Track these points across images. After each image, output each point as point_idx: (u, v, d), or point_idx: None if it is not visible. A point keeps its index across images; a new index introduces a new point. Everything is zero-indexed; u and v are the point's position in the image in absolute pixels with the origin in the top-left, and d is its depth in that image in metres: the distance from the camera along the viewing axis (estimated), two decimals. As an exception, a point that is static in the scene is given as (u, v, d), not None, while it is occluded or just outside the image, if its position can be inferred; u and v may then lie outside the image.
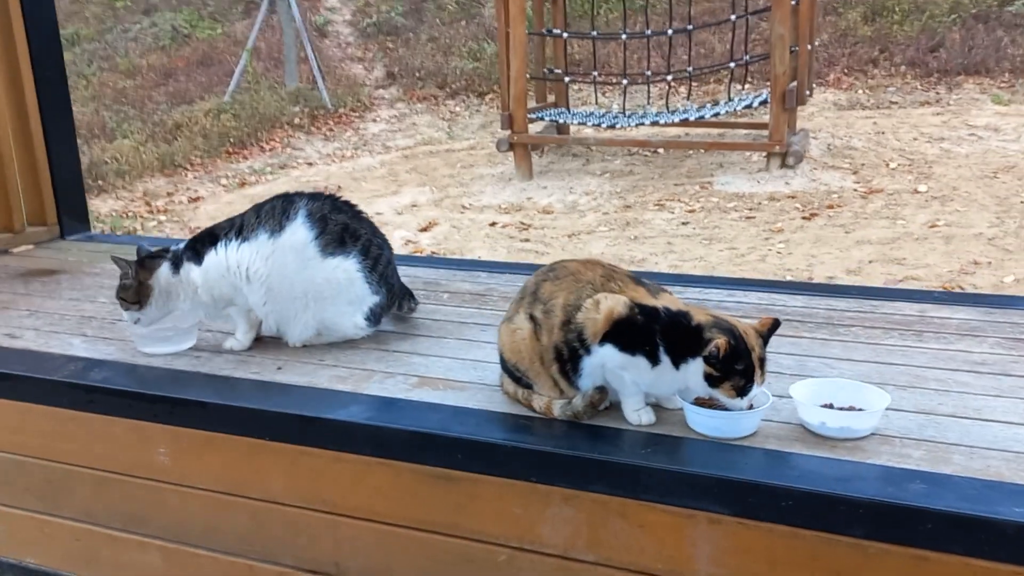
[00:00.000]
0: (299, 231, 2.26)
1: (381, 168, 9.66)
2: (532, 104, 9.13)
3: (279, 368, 2.22)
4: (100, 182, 8.65)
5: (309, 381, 2.13)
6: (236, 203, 8.67)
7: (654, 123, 8.25)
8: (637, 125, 8.30)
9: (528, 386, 1.91)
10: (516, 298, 1.99)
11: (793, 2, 7.56)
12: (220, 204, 8.62)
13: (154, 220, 8.14)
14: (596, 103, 9.70)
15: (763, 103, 8.03)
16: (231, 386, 2.13)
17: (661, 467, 1.65)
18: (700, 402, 1.82)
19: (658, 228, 7.11)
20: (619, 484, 1.68)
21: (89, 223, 3.84)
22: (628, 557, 1.71)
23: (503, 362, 1.95)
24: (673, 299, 1.86)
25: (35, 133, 3.52)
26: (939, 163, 8.01)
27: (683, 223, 7.17)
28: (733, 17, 8.44)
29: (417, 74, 12.02)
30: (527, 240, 7.10)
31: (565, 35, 8.76)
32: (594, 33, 8.98)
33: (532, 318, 1.88)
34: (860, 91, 10.57)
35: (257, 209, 2.32)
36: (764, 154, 8.20)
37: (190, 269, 2.28)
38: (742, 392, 1.72)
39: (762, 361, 1.75)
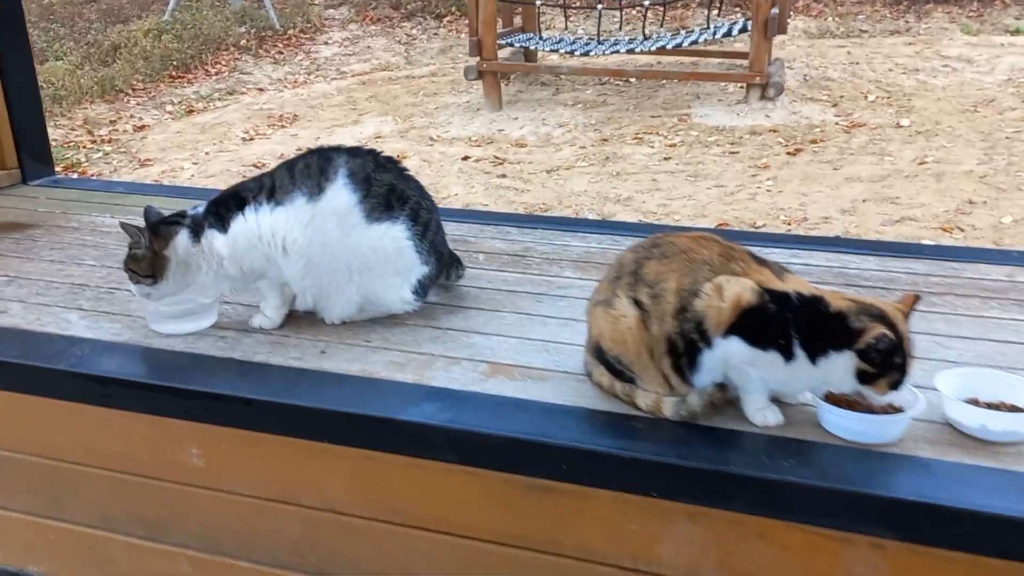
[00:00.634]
0: (341, 194, 1.95)
1: (338, 95, 9.17)
2: (499, 29, 8.69)
3: (322, 352, 1.94)
4: (36, 109, 8.02)
5: (363, 369, 1.85)
6: (186, 132, 8.16)
7: (629, 51, 7.91)
8: (612, 52, 7.95)
9: (630, 380, 1.67)
10: (609, 276, 1.72)
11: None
12: (168, 133, 8.10)
13: (99, 151, 7.60)
14: (566, 29, 9.31)
15: (743, 31, 7.75)
16: (274, 376, 1.84)
17: (814, 484, 1.42)
18: (832, 399, 1.60)
19: (639, 163, 6.85)
20: (760, 502, 1.46)
21: (52, 166, 3.43)
22: (766, 581, 1.50)
23: (599, 352, 1.69)
24: (801, 282, 1.62)
25: (-12, 68, 3.09)
26: (917, 96, 7.87)
27: (665, 158, 6.92)
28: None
29: (369, -7, 11.42)
30: (504, 176, 6.79)
31: (535, -45, 8.31)
32: (565, -46, 8.55)
33: (637, 303, 1.62)
34: (830, 19, 10.36)
35: (289, 167, 2.00)
36: (741, 85, 7.96)
37: (213, 237, 1.96)
38: (896, 388, 1.50)
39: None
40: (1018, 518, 1.34)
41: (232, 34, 10.08)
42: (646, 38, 8.11)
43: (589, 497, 1.57)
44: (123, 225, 1.95)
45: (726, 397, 1.62)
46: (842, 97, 7.95)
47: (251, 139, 7.95)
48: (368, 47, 10.56)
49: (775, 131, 7.31)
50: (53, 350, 1.96)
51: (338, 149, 2.03)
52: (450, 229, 2.73)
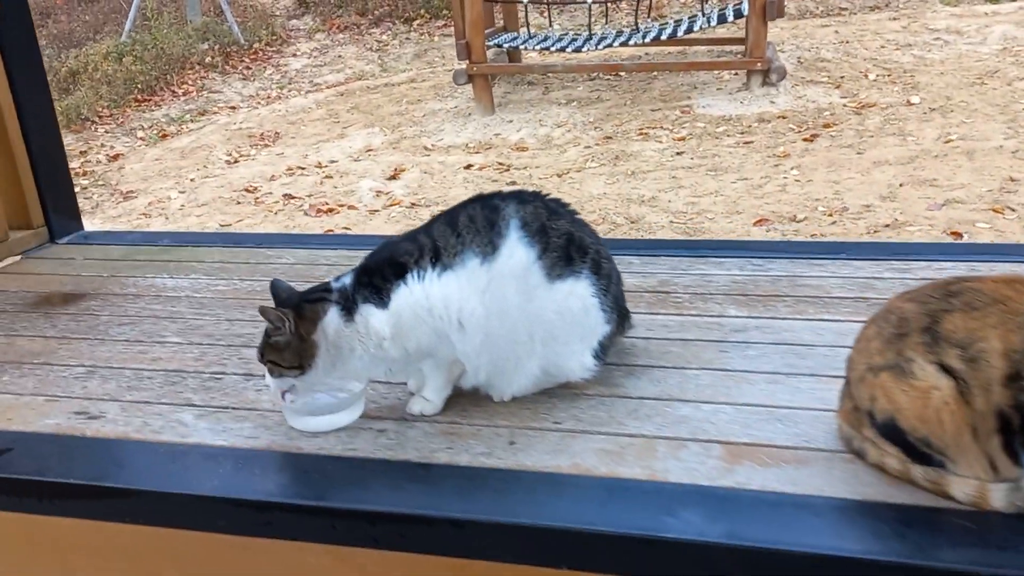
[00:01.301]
0: (517, 250, 1.63)
1: (318, 109, 8.78)
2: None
3: (512, 443, 1.61)
4: None
5: (574, 464, 1.53)
6: (165, 158, 7.71)
7: (623, 44, 7.64)
8: (605, 47, 7.67)
9: (936, 463, 1.37)
10: (885, 333, 1.43)
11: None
12: (146, 161, 7.66)
13: (75, 185, 7.10)
14: (551, 26, 9.01)
15: (738, 16, 7.52)
16: (469, 483, 1.51)
17: None
18: None
19: (652, 160, 6.59)
20: None
21: (80, 219, 3.04)
22: None
23: (891, 430, 1.40)
24: None
25: (7, 116, 2.69)
26: (918, 72, 7.72)
27: (677, 153, 6.67)
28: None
29: (332, 0, 11.01)
30: (514, 183, 6.48)
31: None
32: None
33: (946, 369, 1.33)
34: (808, -2, 10.20)
35: (449, 221, 1.67)
36: (736, 72, 7.75)
37: (370, 314, 1.63)
38: None
39: None
40: None
41: (196, 51, 9.61)
42: (638, 30, 7.84)
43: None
44: (263, 310, 1.61)
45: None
46: (843, 78, 7.77)
47: (235, 161, 7.54)
48: (339, 56, 10.16)
49: (784, 117, 7.10)
50: (185, 467, 1.61)
51: (501, 195, 1.71)
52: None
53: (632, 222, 5.56)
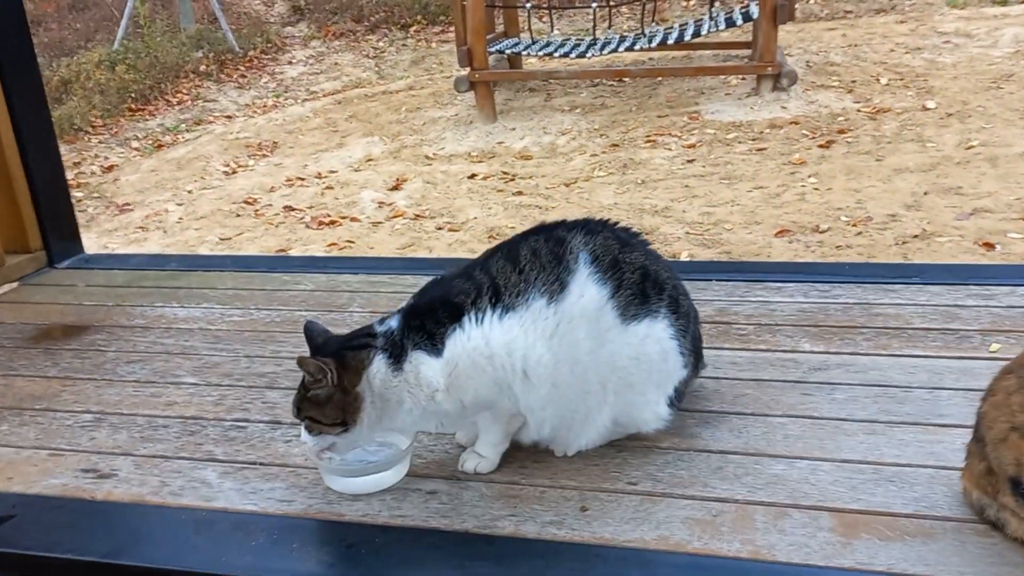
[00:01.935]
0: (588, 288, 1.43)
1: (315, 118, 8.57)
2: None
3: (583, 509, 1.41)
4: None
5: (660, 536, 1.34)
6: (161, 169, 7.49)
7: (629, 48, 7.46)
8: (611, 52, 7.49)
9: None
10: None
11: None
12: (142, 172, 7.44)
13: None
14: (553, 31, 8.83)
15: (747, 19, 7.35)
16: (543, 561, 1.31)
17: None
18: None
19: (663, 169, 6.41)
20: None
21: (81, 241, 2.83)
22: None
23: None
24: None
25: (2, 130, 2.48)
26: (931, 76, 7.56)
27: (688, 160, 6.49)
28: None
29: (327, 7, 10.82)
30: (520, 193, 6.29)
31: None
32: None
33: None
34: (812, 1, 10.06)
35: (510, 255, 1.47)
36: (743, 77, 7.59)
37: (421, 362, 1.43)
38: None
39: None
40: None
41: (190, 60, 9.40)
42: (644, 34, 7.67)
43: None
44: (302, 362, 1.40)
45: None
46: (854, 82, 7.61)
47: (234, 172, 7.33)
48: (336, 64, 9.96)
49: (796, 123, 6.93)
50: (212, 539, 1.41)
51: (566, 225, 1.51)
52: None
53: (646, 234, 5.35)
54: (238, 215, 6.46)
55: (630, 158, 6.68)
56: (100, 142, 8.05)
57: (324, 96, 9.21)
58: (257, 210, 6.51)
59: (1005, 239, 4.74)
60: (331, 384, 1.41)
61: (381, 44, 10.39)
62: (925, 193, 5.42)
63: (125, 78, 8.76)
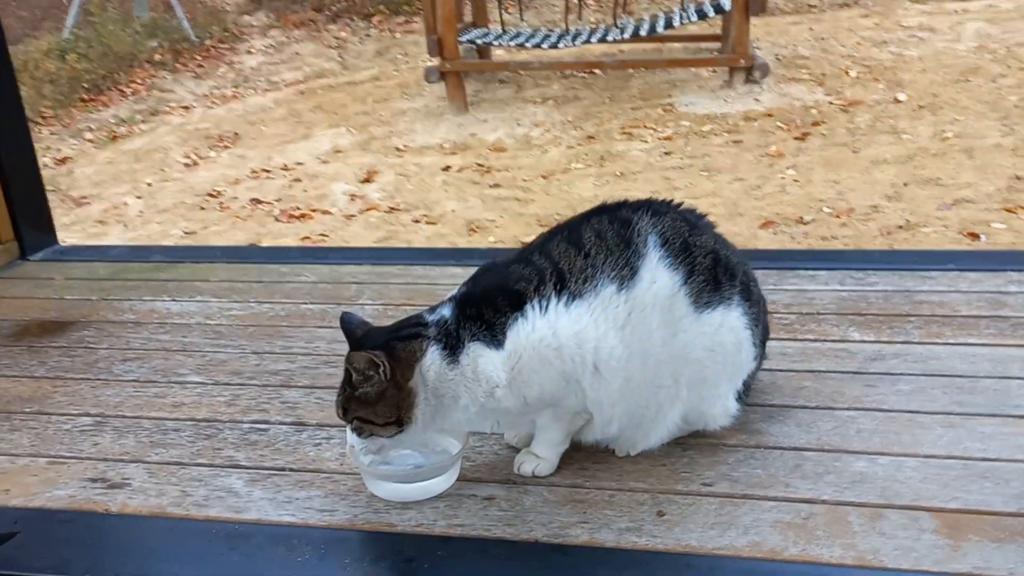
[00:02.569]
0: (660, 274, 1.32)
1: (278, 108, 8.34)
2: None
3: (660, 513, 1.29)
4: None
5: (751, 542, 1.23)
6: (118, 161, 7.22)
7: (601, 40, 7.37)
8: (583, 43, 7.40)
9: None
10: None
11: None
12: (98, 164, 7.15)
13: (20, 193, 6.59)
14: (522, 21, 8.71)
15: (718, 11, 7.30)
16: (637, 574, 1.19)
17: None
18: None
19: (640, 161, 6.33)
20: None
21: (55, 231, 2.64)
22: None
23: None
24: None
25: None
26: (899, 69, 7.60)
27: (666, 153, 6.42)
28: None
29: (286, -5, 10.57)
30: (497, 186, 6.16)
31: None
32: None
33: None
34: (776, -6, 10.08)
35: (572, 238, 1.35)
36: (715, 70, 7.55)
37: (480, 355, 1.30)
38: None
39: None
40: None
41: (144, 49, 9.10)
42: (616, 25, 7.58)
43: None
44: (352, 357, 1.26)
45: None
46: (824, 75, 7.61)
47: (195, 164, 7.09)
48: (296, 53, 9.73)
49: (771, 115, 6.91)
50: (249, 555, 1.26)
51: (629, 205, 1.39)
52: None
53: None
54: (202, 208, 6.24)
55: (607, 150, 6.59)
56: (52, 133, 7.74)
57: (286, 86, 8.98)
58: (222, 203, 6.29)
59: (989, 229, 4.73)
60: (383, 379, 1.27)
61: (343, 34, 10.18)
62: (905, 184, 5.41)
63: (77, 67, 8.44)
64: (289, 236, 5.58)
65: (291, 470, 1.47)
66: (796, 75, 7.67)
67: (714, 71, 7.85)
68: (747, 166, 6.01)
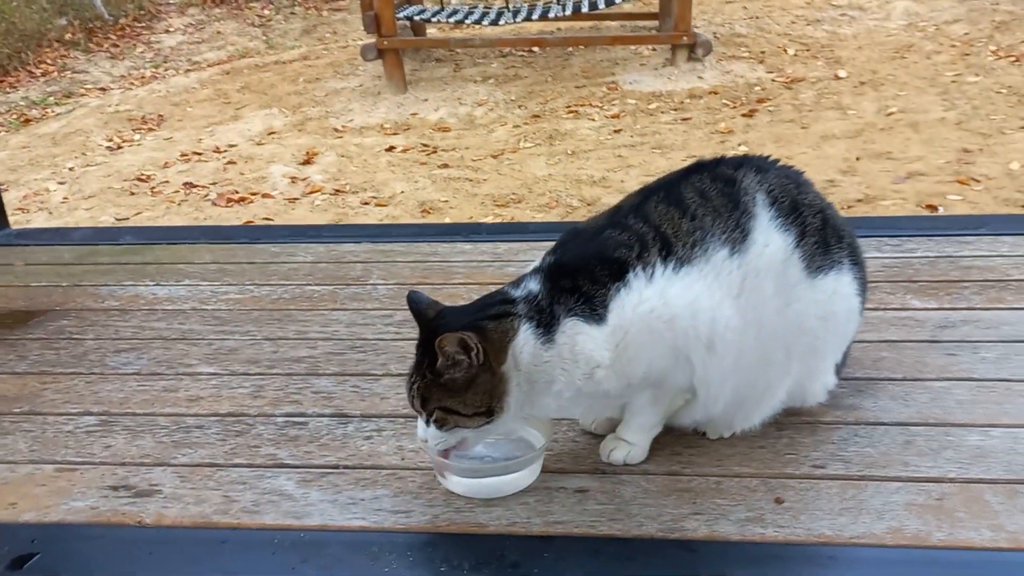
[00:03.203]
0: (773, 237, 1.19)
1: (202, 89, 7.97)
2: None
3: (778, 500, 1.17)
4: None
5: (891, 528, 1.12)
6: (34, 146, 6.78)
7: (543, 16, 7.24)
8: (523, 19, 7.25)
9: None
10: None
11: None
12: (11, 149, 6.70)
13: (-74, 179, 6.15)
14: (456, -2, 8.51)
15: (660, -12, 7.24)
16: (778, 569, 1.06)
17: None
18: None
19: (590, 139, 6.23)
20: None
21: (6, 216, 2.37)
22: None
23: None
24: None
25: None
26: (835, 47, 7.69)
27: (615, 131, 6.33)
28: None
29: (205, -28, 10.13)
30: (446, 166, 5.98)
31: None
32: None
33: None
34: (707, -27, 10.09)
35: (672, 198, 1.21)
36: (654, 48, 7.50)
37: (579, 331, 1.15)
38: None
39: None
40: None
41: (53, 27, 8.59)
42: (557, 2, 7.45)
43: None
44: (442, 341, 1.09)
45: None
46: (763, 53, 7.64)
47: (119, 148, 6.70)
48: (218, 32, 9.33)
49: (716, 93, 6.89)
50: (325, 567, 1.09)
51: (729, 162, 1.26)
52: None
53: (588, 204, 5.17)
54: (132, 193, 5.88)
55: (555, 129, 6.47)
56: (-43, 117, 7.24)
57: (209, 67, 8.59)
58: (153, 187, 5.94)
59: (946, 201, 4.77)
60: (474, 364, 1.11)
61: (267, 12, 9.81)
62: (857, 159, 5.43)
63: (-20, 46, 7.91)
64: (230, 221, 5.30)
65: (347, 467, 1.29)
66: (736, 53, 7.68)
67: (654, 49, 7.81)
68: (698, 143, 5.96)
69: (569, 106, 6.88)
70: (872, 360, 1.53)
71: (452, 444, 1.17)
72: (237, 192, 5.80)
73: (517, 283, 1.21)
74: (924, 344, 1.57)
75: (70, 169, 6.31)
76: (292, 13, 9.77)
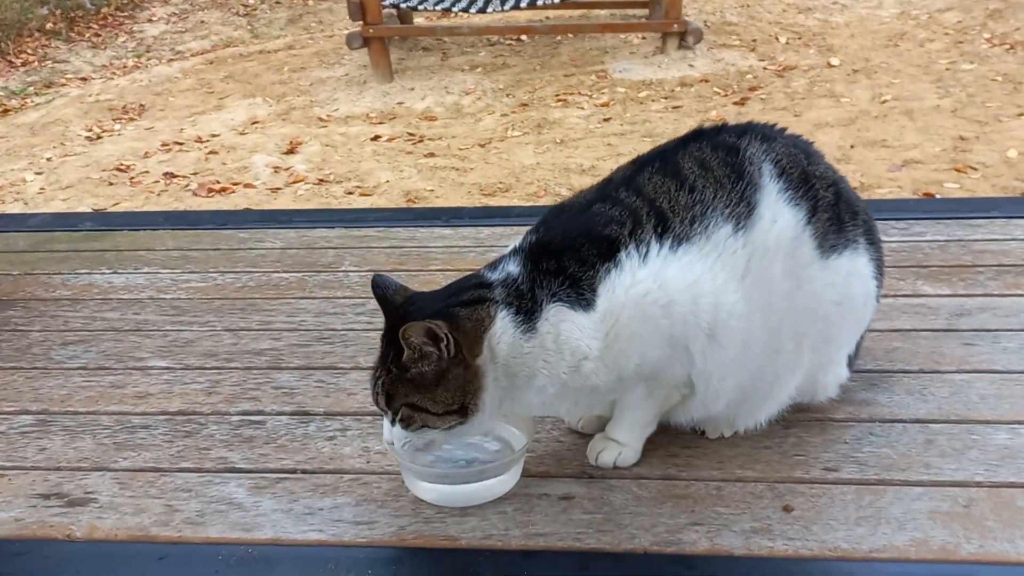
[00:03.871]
0: (782, 211, 1.06)
1: (185, 78, 7.80)
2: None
3: (788, 508, 1.04)
4: None
5: (914, 540, 1.00)
6: (12, 136, 6.61)
7: (531, 5, 7.10)
8: (511, 8, 7.11)
9: None
10: None
11: None
12: (-13, 141, 6.53)
13: (-100, 169, 6.00)
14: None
15: (650, -25, 7.12)
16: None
17: None
18: None
19: (579, 128, 6.10)
20: None
21: (-43, 202, 2.22)
22: None
23: None
24: None
25: None
26: (827, 35, 7.58)
27: (604, 119, 6.20)
28: None
29: (187, -41, 9.95)
30: (432, 155, 5.84)
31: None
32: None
33: None
34: (699, -39, 9.97)
35: (669, 168, 1.08)
36: (644, 36, 7.38)
37: (563, 319, 1.02)
38: None
39: None
40: None
41: (33, 17, 8.42)
42: (548, -10, 7.31)
43: None
44: (408, 330, 0.96)
45: None
46: (755, 41, 7.53)
47: (98, 137, 6.54)
48: (202, 21, 9.16)
49: (706, 81, 6.77)
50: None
51: (731, 130, 1.13)
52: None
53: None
54: (111, 183, 5.73)
55: (543, 117, 6.34)
56: (-67, 107, 7.07)
57: (193, 56, 8.42)
58: (133, 177, 5.79)
59: (943, 189, 4.66)
60: (446, 356, 0.97)
61: (252, 1, 9.64)
62: (852, 146, 5.32)
63: (-43, 35, 7.74)
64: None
65: (305, 472, 1.16)
66: (727, 41, 7.56)
67: (644, 37, 7.69)
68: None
69: (558, 95, 6.76)
70: (884, 351, 1.40)
71: (419, 446, 1.04)
72: (219, 182, 5.66)
73: (494, 265, 1.08)
74: (940, 333, 1.44)
75: (48, 159, 6.16)
76: (277, 2, 9.61)
